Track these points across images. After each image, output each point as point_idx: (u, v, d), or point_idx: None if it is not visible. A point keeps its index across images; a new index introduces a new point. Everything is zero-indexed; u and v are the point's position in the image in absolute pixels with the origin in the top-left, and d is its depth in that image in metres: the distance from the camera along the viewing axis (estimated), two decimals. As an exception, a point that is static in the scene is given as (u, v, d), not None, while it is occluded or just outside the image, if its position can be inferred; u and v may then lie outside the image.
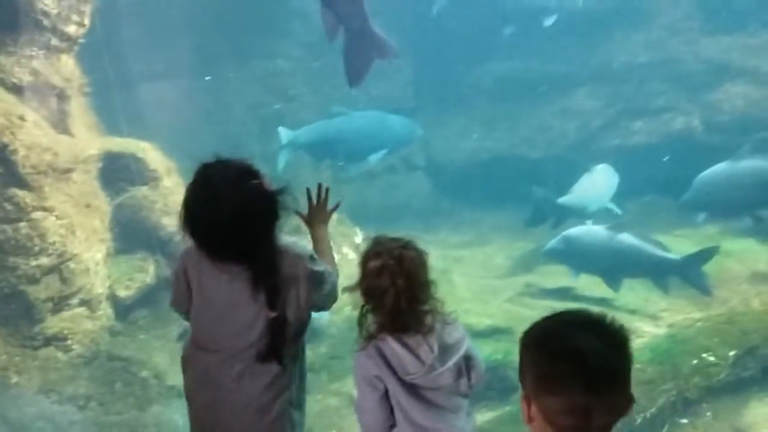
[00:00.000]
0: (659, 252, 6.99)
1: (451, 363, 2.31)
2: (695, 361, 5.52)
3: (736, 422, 5.19)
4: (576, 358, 1.52)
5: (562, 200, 8.09)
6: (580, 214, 8.07)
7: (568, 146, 9.94)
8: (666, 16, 9.95)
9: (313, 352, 6.61)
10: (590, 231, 7.41)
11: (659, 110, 9.67)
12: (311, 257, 2.49)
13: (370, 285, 2.29)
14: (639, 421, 5.17)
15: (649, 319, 6.58)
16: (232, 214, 2.25)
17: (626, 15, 9.91)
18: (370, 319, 2.32)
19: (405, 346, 2.26)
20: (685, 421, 5.29)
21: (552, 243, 7.53)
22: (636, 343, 6.13)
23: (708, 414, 5.33)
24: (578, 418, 1.53)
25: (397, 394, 2.28)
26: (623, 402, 1.58)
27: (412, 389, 2.29)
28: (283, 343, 2.35)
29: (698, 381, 5.41)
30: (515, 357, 5.65)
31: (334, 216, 9.18)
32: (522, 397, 1.63)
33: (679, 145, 9.25)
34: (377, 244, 2.34)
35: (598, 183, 8.38)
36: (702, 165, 8.21)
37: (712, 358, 5.54)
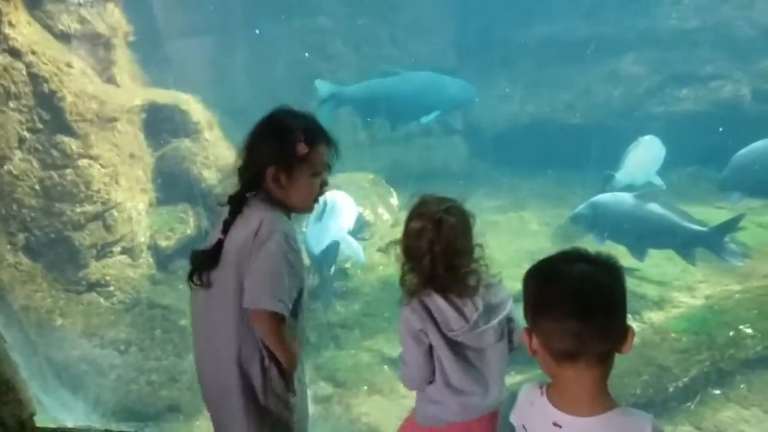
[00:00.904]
0: (685, 222, 6.84)
1: (495, 321, 2.30)
2: (731, 333, 5.45)
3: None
4: (566, 281, 1.61)
5: (616, 174, 7.94)
6: (629, 188, 7.96)
7: (612, 113, 9.73)
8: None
9: (346, 309, 6.73)
10: (618, 198, 7.27)
11: (707, 77, 9.37)
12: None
13: (409, 246, 2.28)
14: (671, 389, 5.15)
15: (685, 290, 6.50)
16: None
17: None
18: (411, 277, 2.30)
19: (450, 302, 2.26)
20: (718, 392, 5.24)
21: (579, 208, 7.44)
22: (672, 313, 6.14)
23: (742, 386, 5.27)
24: (572, 342, 1.60)
25: (440, 350, 2.28)
26: (618, 329, 1.62)
27: (455, 347, 2.28)
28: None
29: (734, 352, 5.35)
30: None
31: (370, 176, 9.12)
32: (524, 331, 1.71)
33: (727, 114, 8.99)
34: (422, 203, 2.32)
35: (646, 156, 8.19)
36: (750, 135, 7.98)
37: (749, 330, 5.46)
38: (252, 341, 2.24)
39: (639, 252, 6.92)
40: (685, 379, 5.17)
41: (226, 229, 2.27)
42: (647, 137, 8.28)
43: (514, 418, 1.86)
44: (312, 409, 5.63)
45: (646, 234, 6.93)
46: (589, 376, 1.64)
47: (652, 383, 5.09)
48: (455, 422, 2.36)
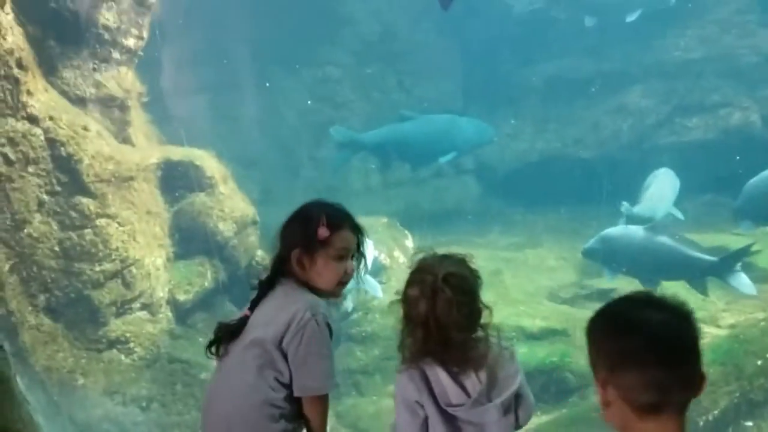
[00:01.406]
0: (695, 253, 6.83)
1: (499, 401, 2.12)
2: (760, 362, 5.35)
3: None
4: (647, 331, 1.55)
5: (635, 209, 7.96)
6: (648, 221, 7.95)
7: (622, 145, 9.78)
8: (721, 10, 9.71)
9: (366, 355, 6.70)
10: (627, 231, 7.28)
11: (715, 106, 9.44)
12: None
13: (407, 312, 2.14)
14: (702, 423, 5.04)
15: (709, 320, 6.41)
16: None
17: (679, 10, 9.70)
18: (409, 342, 2.14)
19: (450, 373, 2.11)
20: (750, 423, 5.13)
21: (590, 242, 7.45)
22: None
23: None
24: (657, 394, 1.53)
25: (435, 424, 2.12)
26: (697, 377, 1.57)
27: (452, 421, 2.12)
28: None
29: (763, 382, 5.25)
30: (572, 359, 5.62)
31: (384, 220, 9.16)
32: (597, 383, 1.62)
33: (737, 141, 9.00)
34: (420, 268, 2.17)
35: (664, 188, 8.19)
36: (762, 161, 7.97)
37: (777, 359, 5.37)
38: (264, 416, 2.25)
39: (651, 284, 6.91)
40: (716, 412, 5.07)
41: (253, 307, 2.33)
42: (662, 170, 8.29)
43: None
44: (336, 460, 5.60)
45: (657, 266, 6.93)
46: (671, 427, 1.57)
47: (682, 417, 4.99)
48: None
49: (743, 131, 9.20)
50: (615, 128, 9.97)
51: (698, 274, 6.78)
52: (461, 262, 2.15)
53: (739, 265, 6.61)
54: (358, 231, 2.36)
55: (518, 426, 2.23)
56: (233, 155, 8.14)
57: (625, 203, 7.82)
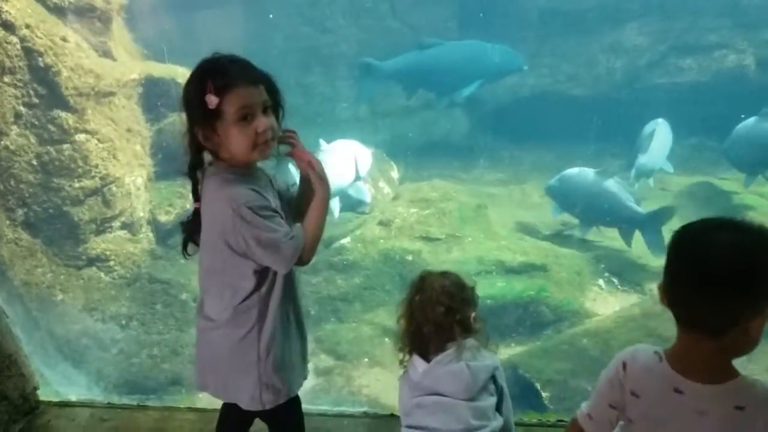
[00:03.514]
0: (629, 204, 6.93)
1: (461, 365, 2.19)
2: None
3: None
4: (698, 248, 1.58)
5: (642, 160, 7.93)
6: (650, 173, 7.97)
7: (615, 84, 9.64)
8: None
9: (346, 283, 6.73)
10: (581, 173, 7.36)
11: (711, 47, 9.28)
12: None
13: (408, 317, 2.31)
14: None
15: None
16: None
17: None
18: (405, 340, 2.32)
19: (426, 360, 2.26)
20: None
21: (552, 180, 7.56)
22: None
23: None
24: (685, 311, 1.61)
25: (407, 405, 2.28)
26: (744, 309, 1.54)
27: (420, 394, 2.25)
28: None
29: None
30: (548, 293, 5.65)
31: (371, 150, 9.06)
32: (659, 287, 1.67)
33: (730, 84, 8.90)
34: (423, 279, 2.32)
35: (664, 140, 8.14)
36: (753, 105, 7.92)
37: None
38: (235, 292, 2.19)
39: (587, 227, 7.03)
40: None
41: (198, 198, 2.21)
42: (660, 121, 8.21)
43: (620, 384, 1.72)
44: (313, 381, 5.70)
45: (595, 211, 7.02)
46: (707, 347, 1.58)
47: (652, 354, 5.09)
48: None
49: (737, 74, 9.09)
50: (609, 66, 9.81)
51: (628, 224, 6.91)
52: (460, 280, 2.30)
53: (661, 224, 6.69)
54: (260, 80, 2.08)
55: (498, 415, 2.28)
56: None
57: (646, 153, 7.77)
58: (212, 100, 2.02)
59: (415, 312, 2.27)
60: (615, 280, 6.43)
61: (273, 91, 2.13)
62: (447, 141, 10.17)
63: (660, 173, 8.17)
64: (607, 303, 5.99)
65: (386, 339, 6.03)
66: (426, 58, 8.92)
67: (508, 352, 5.26)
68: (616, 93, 9.43)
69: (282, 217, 2.15)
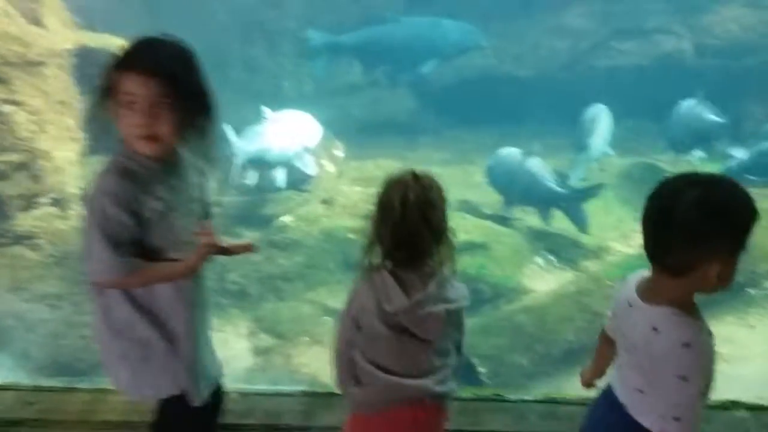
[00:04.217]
0: (549, 183, 7.05)
1: (441, 308, 2.13)
2: (663, 280, 5.60)
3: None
4: (665, 192, 1.78)
5: (593, 146, 8.05)
6: (592, 159, 8.11)
7: (559, 66, 9.75)
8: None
9: (288, 261, 6.65)
10: (510, 153, 7.50)
11: (651, 31, 9.47)
12: None
13: (381, 199, 2.13)
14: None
15: (621, 239, 6.65)
16: None
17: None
18: (374, 251, 2.16)
19: (400, 281, 2.11)
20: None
21: (489, 161, 7.71)
22: (607, 261, 6.27)
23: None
24: (645, 243, 1.83)
25: (375, 328, 2.14)
26: (689, 260, 1.73)
27: (394, 331, 2.13)
28: None
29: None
30: (488, 271, 5.70)
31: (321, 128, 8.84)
32: None
33: (668, 68, 9.12)
34: (397, 179, 2.17)
35: (607, 127, 8.27)
36: (689, 89, 8.16)
37: (680, 278, 5.62)
38: None
39: (510, 205, 7.17)
40: (615, 326, 5.30)
41: None
42: (601, 106, 8.34)
43: (615, 291, 2.04)
44: (252, 360, 5.63)
45: (518, 189, 7.15)
46: (668, 282, 1.78)
47: (586, 328, 5.21)
48: (388, 408, 2.19)
49: (675, 58, 9.31)
50: (553, 48, 9.92)
51: (548, 203, 7.06)
52: (435, 183, 2.17)
53: (584, 203, 6.85)
54: (159, 73, 1.98)
55: (458, 354, 2.27)
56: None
57: (592, 140, 7.86)
58: (109, 76, 1.98)
59: (385, 211, 2.11)
60: (552, 258, 6.55)
61: (184, 90, 2.01)
62: (393, 120, 10.12)
63: (601, 156, 8.33)
64: (544, 280, 6.10)
65: (327, 318, 6.01)
66: (384, 34, 8.82)
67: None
68: (559, 75, 9.55)
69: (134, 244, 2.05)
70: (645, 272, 1.90)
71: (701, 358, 1.75)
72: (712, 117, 8.00)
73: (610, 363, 2.09)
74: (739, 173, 7.06)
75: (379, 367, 2.16)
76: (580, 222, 6.83)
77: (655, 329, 1.77)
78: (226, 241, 2.24)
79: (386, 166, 7.66)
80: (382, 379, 2.15)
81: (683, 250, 1.72)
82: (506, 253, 6.39)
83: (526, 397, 3.47)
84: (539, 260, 6.53)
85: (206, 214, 2.32)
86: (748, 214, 1.73)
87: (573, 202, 6.93)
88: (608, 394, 2.02)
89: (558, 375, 4.97)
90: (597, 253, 6.41)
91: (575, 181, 7.49)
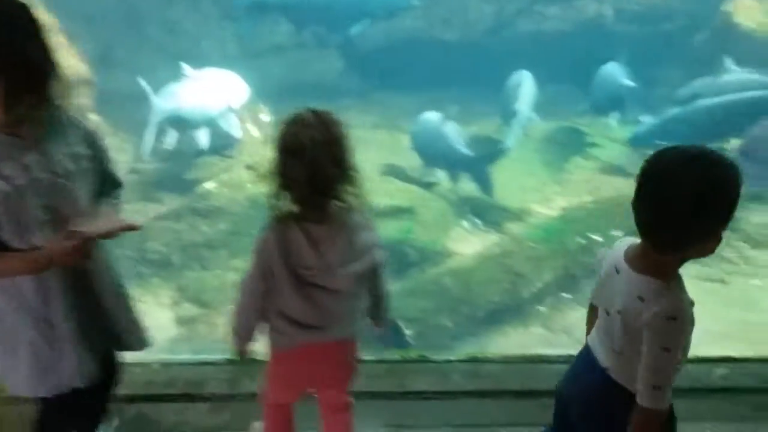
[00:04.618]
0: (458, 146, 7.18)
1: (356, 266, 2.13)
2: (583, 241, 5.78)
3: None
4: (658, 163, 1.76)
5: (521, 110, 8.10)
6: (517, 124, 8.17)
7: (485, 30, 9.78)
8: None
9: (211, 229, 6.51)
10: (429, 118, 7.59)
11: (574, -5, 9.61)
12: None
13: (279, 164, 2.04)
14: (526, 295, 5.43)
15: (544, 202, 6.80)
16: None
17: None
18: (282, 199, 2.10)
19: (309, 237, 2.07)
20: (568, 295, 5.59)
21: (413, 124, 7.78)
22: (530, 224, 6.42)
23: (590, 289, 5.63)
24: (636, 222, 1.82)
25: (286, 288, 2.12)
26: (682, 234, 1.75)
27: (304, 286, 2.12)
28: None
29: (583, 259, 5.69)
30: (414, 235, 5.69)
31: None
32: None
33: (590, 33, 9.29)
34: (295, 122, 2.09)
35: (531, 92, 8.36)
36: (610, 53, 8.37)
37: (598, 238, 5.81)
38: None
39: (429, 168, 7.18)
40: (539, 285, 5.46)
41: None
42: (525, 72, 8.42)
43: (601, 255, 2.04)
44: (175, 330, 5.51)
45: (433, 153, 7.25)
46: (651, 251, 1.80)
47: (509, 289, 5.35)
48: (302, 346, 2.25)
49: (596, 23, 9.48)
50: (481, 12, 9.93)
51: (457, 167, 7.17)
52: (336, 120, 2.08)
53: (488, 166, 6.96)
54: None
55: (373, 295, 2.27)
56: (66, 5, 7.25)
57: (520, 105, 7.93)
58: None
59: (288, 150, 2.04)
60: (478, 221, 6.65)
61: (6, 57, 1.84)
62: (319, 83, 9.94)
63: (527, 121, 8.44)
64: (469, 243, 6.19)
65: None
66: None
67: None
68: (484, 39, 9.59)
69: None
70: (633, 240, 1.91)
71: (684, 331, 1.79)
72: (629, 81, 8.22)
73: None
74: (648, 138, 7.31)
75: (287, 317, 2.16)
76: (484, 185, 6.93)
77: (641, 298, 1.80)
78: (104, 222, 2.08)
79: (312, 130, 7.55)
80: (290, 329, 2.18)
81: (683, 233, 1.73)
82: (432, 217, 6.44)
83: (450, 358, 3.53)
84: (465, 223, 6.61)
85: (107, 185, 2.21)
86: (738, 187, 1.73)
87: (477, 165, 7.02)
88: (587, 354, 2.05)
89: (482, 335, 5.09)
90: (520, 215, 6.55)
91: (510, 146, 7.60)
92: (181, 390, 3.16)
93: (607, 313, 1.92)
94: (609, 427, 1.95)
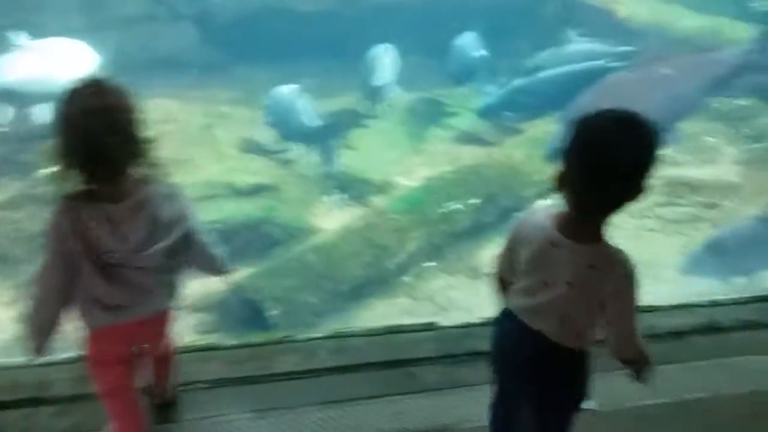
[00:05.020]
0: (308, 119, 7.20)
1: (162, 245, 2.04)
2: (442, 210, 5.96)
3: (473, 262, 5.77)
4: (593, 132, 1.82)
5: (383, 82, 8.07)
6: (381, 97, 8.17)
7: (339, 0, 9.71)
8: None
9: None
10: (283, 89, 7.54)
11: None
12: None
13: (61, 114, 1.92)
14: (390, 266, 5.54)
15: (406, 173, 6.93)
16: None
17: None
18: (70, 179, 1.97)
19: (106, 217, 1.96)
20: (431, 264, 5.76)
21: (266, 98, 7.67)
22: (392, 195, 6.53)
23: (451, 257, 5.85)
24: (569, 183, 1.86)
25: (87, 270, 2.01)
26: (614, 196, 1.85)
27: (105, 267, 2.01)
28: None
29: (444, 228, 5.88)
30: (278, 213, 5.63)
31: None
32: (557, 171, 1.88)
33: (446, 4, 9.46)
34: (76, 91, 1.98)
35: (388, 64, 8.36)
36: (467, 26, 8.61)
37: (457, 206, 6.02)
38: None
39: (287, 140, 7.22)
40: (403, 256, 5.58)
41: None
42: (387, 45, 8.45)
43: (516, 232, 2.05)
44: (15, 331, 5.12)
45: (288, 124, 7.25)
46: (588, 220, 1.89)
47: (373, 263, 5.42)
48: (119, 324, 2.16)
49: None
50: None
51: (306, 139, 7.15)
52: (115, 88, 1.97)
53: (332, 138, 7.03)
54: None
55: (187, 264, 2.20)
56: None
57: (384, 80, 7.89)
58: None
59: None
60: (342, 196, 6.66)
61: None
62: (176, 57, 9.48)
63: (389, 93, 8.51)
64: (333, 218, 6.19)
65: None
66: None
67: (238, 275, 5.20)
68: (343, 9, 9.52)
69: None
70: (549, 210, 1.98)
71: (637, 283, 1.91)
72: (483, 51, 8.50)
73: None
74: (496, 109, 7.60)
75: (95, 300, 2.07)
76: (326, 158, 6.90)
77: (592, 266, 1.89)
78: None
79: (167, 107, 7.22)
80: (99, 312, 2.09)
81: (625, 195, 1.83)
82: (297, 193, 6.38)
83: (315, 335, 3.53)
84: (328, 198, 6.61)
85: None
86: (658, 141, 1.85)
87: (320, 138, 7.01)
88: (511, 318, 2.10)
89: (347, 310, 5.13)
90: (383, 188, 6.62)
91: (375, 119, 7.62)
92: (27, 394, 2.99)
93: (546, 284, 1.98)
94: (559, 382, 2.08)
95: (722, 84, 5.38)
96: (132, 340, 2.23)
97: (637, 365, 2.05)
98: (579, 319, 1.98)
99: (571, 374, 2.08)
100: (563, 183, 1.86)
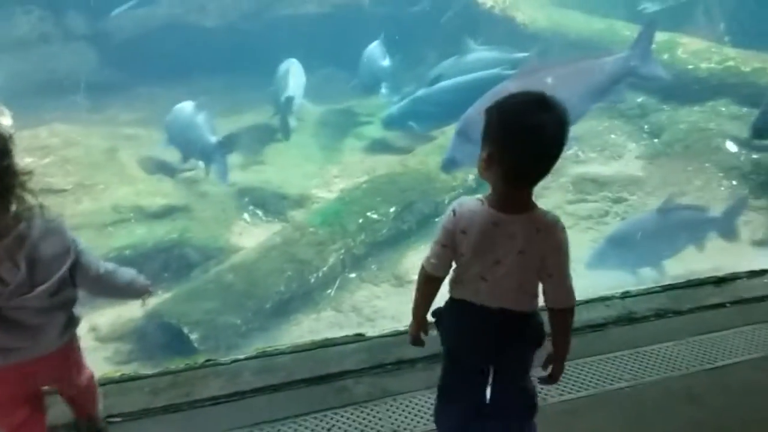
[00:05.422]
0: (203, 134, 7.10)
1: (45, 285, 1.94)
2: (361, 220, 5.94)
3: (396, 270, 5.78)
4: (534, 124, 1.94)
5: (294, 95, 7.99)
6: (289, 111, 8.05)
7: (243, 15, 9.61)
8: None
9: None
10: (183, 107, 7.42)
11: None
12: None
13: None
14: (313, 280, 5.45)
15: (323, 186, 6.88)
16: None
17: None
18: None
19: None
20: (353, 275, 5.72)
21: (167, 116, 7.52)
22: (311, 209, 6.46)
23: (373, 267, 5.83)
24: (525, 173, 2.02)
25: None
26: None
27: None
28: None
29: (364, 238, 5.85)
30: (192, 234, 5.41)
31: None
32: (482, 155, 2.01)
33: (348, 16, 9.52)
34: None
35: (300, 80, 8.29)
36: (371, 36, 8.66)
37: (375, 216, 6.01)
38: None
39: (186, 158, 7.15)
40: (324, 269, 5.51)
41: None
42: (293, 60, 8.40)
43: (452, 226, 2.10)
44: None
45: (186, 142, 7.13)
46: (524, 193, 2.06)
47: (295, 278, 5.32)
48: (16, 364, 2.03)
49: (352, 7, 9.74)
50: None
51: (203, 155, 7.05)
52: None
53: (223, 153, 6.92)
54: None
55: (77, 296, 2.08)
56: None
57: (289, 94, 7.81)
58: None
59: None
60: (259, 212, 6.54)
61: None
62: (72, 79, 9.10)
63: (299, 107, 8.45)
64: (252, 235, 6.06)
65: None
66: None
67: (153, 301, 4.99)
68: (245, 24, 9.42)
69: None
70: (474, 198, 2.10)
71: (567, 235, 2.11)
72: (389, 62, 8.58)
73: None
74: (400, 120, 7.64)
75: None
76: (218, 174, 6.78)
77: (538, 230, 2.05)
78: None
79: (63, 132, 6.88)
80: None
81: (550, 166, 2.00)
82: (211, 212, 6.21)
83: (239, 356, 3.41)
84: (246, 216, 6.47)
85: None
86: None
87: (212, 154, 6.88)
88: (466, 308, 2.16)
89: (272, 328, 5.02)
90: (301, 202, 6.55)
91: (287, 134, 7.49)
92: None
93: (498, 262, 2.08)
94: (527, 344, 2.21)
95: (603, 91, 5.61)
96: (30, 380, 2.11)
97: (554, 366, 2.23)
98: (531, 281, 2.12)
99: (532, 332, 2.20)
100: (490, 165, 1.99)
